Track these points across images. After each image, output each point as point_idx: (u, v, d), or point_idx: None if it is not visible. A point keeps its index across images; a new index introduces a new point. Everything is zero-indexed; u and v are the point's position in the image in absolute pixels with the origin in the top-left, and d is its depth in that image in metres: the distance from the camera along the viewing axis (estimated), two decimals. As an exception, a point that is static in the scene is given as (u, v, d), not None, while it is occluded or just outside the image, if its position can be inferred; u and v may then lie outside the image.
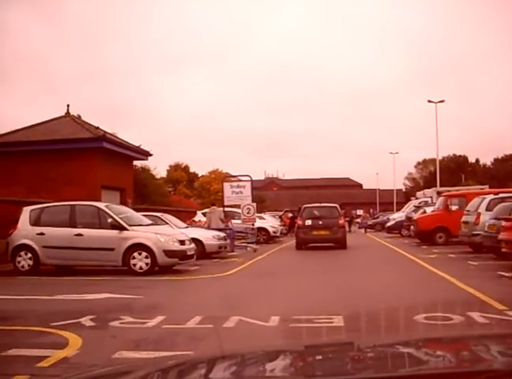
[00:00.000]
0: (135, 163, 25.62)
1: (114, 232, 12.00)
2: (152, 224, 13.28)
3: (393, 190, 74.14)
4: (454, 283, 9.31)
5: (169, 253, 11.97)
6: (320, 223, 19.18)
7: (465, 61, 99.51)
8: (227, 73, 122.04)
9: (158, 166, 70.84)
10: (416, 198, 35.48)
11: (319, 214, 19.70)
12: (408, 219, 25.31)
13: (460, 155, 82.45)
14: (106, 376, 1.84)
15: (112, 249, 11.91)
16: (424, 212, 21.65)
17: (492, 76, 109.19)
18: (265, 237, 24.48)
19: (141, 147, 23.13)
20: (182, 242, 12.39)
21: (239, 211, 21.77)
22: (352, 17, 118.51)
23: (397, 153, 62.24)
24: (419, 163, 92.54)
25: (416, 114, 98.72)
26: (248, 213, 21.50)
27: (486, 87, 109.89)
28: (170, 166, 76.37)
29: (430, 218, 19.57)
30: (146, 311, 7.28)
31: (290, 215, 32.71)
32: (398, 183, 73.14)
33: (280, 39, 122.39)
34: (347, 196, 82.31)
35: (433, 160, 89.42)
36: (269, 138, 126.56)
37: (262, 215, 29.11)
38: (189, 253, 12.51)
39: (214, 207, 19.95)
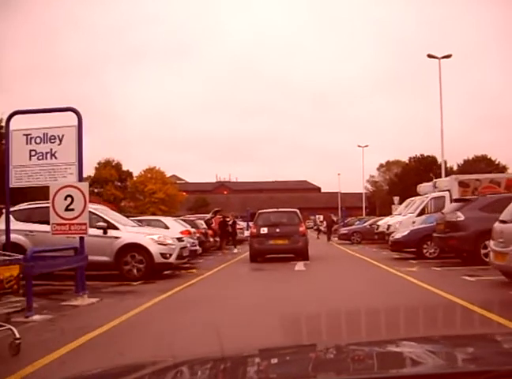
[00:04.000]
0: None
1: None
2: None
3: (354, 194, 62.55)
4: None
5: None
6: (277, 230, 15.45)
7: (428, 63, 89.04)
8: (184, 74, 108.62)
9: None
10: (418, 195, 21.92)
11: (277, 220, 15.95)
12: (450, 225, 11.66)
13: (428, 156, 72.61)
14: (106, 376, 1.76)
15: None
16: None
17: (458, 80, 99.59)
18: (142, 266, 10.22)
19: None
20: None
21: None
22: (316, 20, 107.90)
23: (366, 146, 49.17)
24: (381, 166, 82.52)
25: (377, 116, 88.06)
26: (68, 209, 7.33)
27: (451, 90, 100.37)
28: (99, 164, 60.73)
29: None
30: None
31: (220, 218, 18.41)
32: (360, 187, 60.71)
33: (245, 41, 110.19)
34: (304, 199, 72.24)
35: (397, 162, 78.30)
36: (225, 142, 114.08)
37: (162, 218, 14.88)
38: None
39: None
